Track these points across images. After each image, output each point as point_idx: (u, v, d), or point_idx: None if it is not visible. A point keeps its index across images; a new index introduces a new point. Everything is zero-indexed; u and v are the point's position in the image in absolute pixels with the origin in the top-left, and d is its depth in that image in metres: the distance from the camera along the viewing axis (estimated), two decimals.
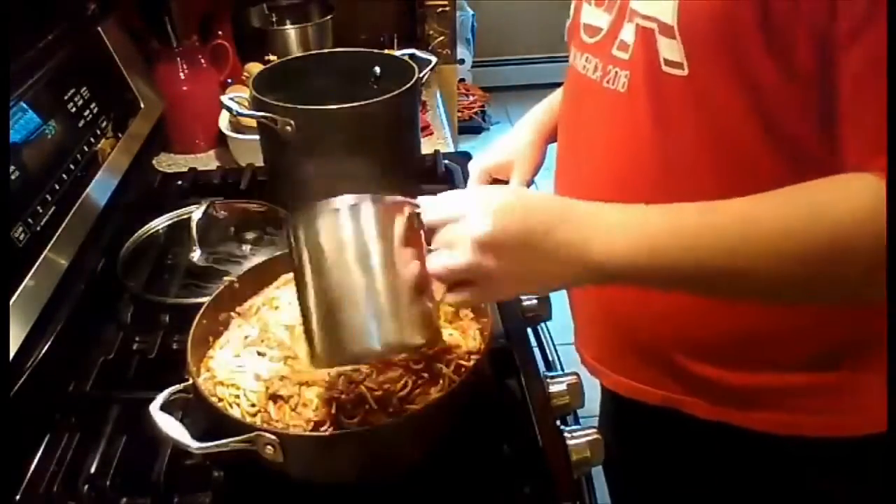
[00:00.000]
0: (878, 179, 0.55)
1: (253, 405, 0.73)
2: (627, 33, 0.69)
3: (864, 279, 0.57)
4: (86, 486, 0.74)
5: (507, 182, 0.96)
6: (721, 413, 0.77)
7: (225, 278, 0.89)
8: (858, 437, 0.73)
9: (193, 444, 0.67)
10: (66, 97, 1.05)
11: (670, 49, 0.65)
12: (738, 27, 0.60)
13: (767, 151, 0.65)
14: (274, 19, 1.71)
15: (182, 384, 0.73)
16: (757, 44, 0.60)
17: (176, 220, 1.14)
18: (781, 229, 0.57)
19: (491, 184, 0.98)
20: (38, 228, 0.89)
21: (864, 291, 0.59)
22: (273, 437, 0.65)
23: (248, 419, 0.72)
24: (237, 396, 0.74)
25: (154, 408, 0.69)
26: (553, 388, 0.83)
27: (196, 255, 1.05)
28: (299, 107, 1.07)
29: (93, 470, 0.76)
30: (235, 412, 0.72)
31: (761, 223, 0.58)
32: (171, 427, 0.68)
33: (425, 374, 0.74)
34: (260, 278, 0.88)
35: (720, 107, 0.65)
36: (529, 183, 0.97)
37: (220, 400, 0.74)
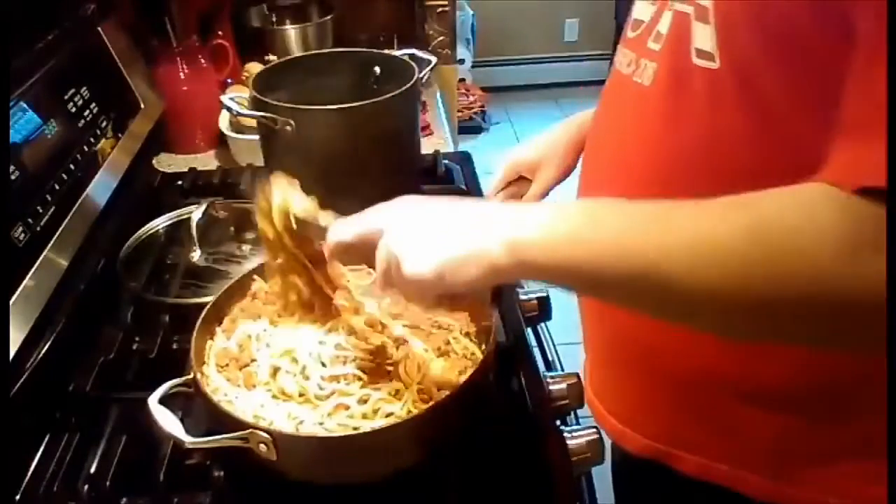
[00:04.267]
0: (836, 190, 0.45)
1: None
2: (664, 23, 0.64)
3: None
4: (86, 486, 0.74)
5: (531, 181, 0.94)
6: (711, 472, 0.69)
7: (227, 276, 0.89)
8: None
9: (187, 439, 0.67)
10: (66, 97, 1.05)
11: (704, 36, 0.58)
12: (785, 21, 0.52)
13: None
14: (274, 19, 1.71)
15: (183, 378, 0.73)
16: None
17: (176, 220, 1.14)
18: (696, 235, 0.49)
19: (517, 180, 0.96)
20: (38, 228, 0.89)
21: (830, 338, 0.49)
22: (266, 435, 0.65)
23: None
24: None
25: (152, 400, 0.70)
26: (553, 388, 0.83)
27: (196, 255, 1.05)
28: (299, 107, 1.07)
29: (93, 470, 0.76)
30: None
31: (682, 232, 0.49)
32: (167, 420, 0.68)
33: None
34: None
35: (759, 109, 0.57)
36: (551, 188, 0.93)
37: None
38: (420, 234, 0.59)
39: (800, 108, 0.54)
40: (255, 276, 0.87)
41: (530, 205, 0.58)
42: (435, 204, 0.62)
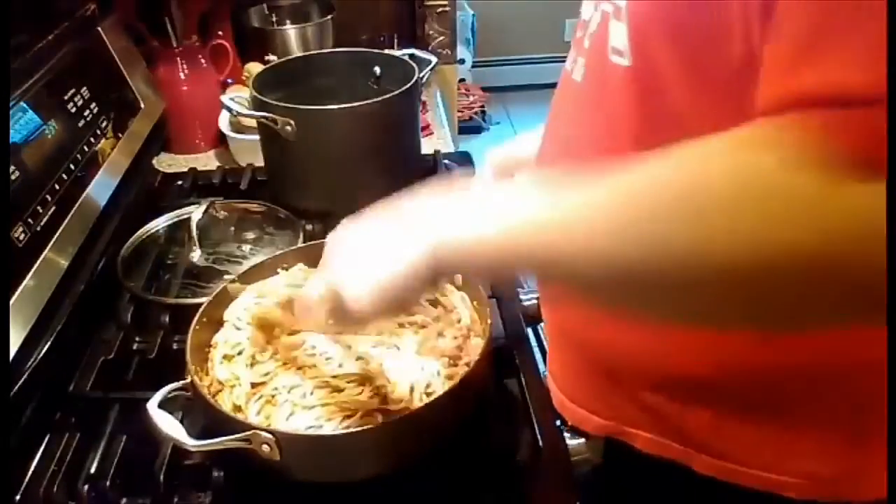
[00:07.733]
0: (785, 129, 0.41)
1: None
2: (594, 21, 0.64)
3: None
4: (86, 486, 0.74)
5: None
6: (665, 448, 0.69)
7: (226, 276, 0.89)
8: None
9: (190, 442, 0.67)
10: (66, 97, 1.05)
11: (618, 34, 0.59)
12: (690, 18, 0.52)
13: None
14: (274, 19, 1.71)
15: (181, 382, 0.73)
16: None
17: (176, 220, 1.14)
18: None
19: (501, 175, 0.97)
20: (38, 228, 0.89)
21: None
22: (269, 435, 0.65)
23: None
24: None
25: (152, 405, 0.69)
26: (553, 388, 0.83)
27: (196, 255, 1.04)
28: (299, 107, 1.07)
29: (93, 470, 0.76)
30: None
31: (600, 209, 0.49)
32: (168, 424, 0.68)
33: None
34: (259, 277, 0.88)
35: (665, 110, 0.57)
36: None
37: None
38: (354, 266, 0.63)
39: (701, 117, 0.52)
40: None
41: (456, 199, 0.61)
42: (369, 224, 0.65)
